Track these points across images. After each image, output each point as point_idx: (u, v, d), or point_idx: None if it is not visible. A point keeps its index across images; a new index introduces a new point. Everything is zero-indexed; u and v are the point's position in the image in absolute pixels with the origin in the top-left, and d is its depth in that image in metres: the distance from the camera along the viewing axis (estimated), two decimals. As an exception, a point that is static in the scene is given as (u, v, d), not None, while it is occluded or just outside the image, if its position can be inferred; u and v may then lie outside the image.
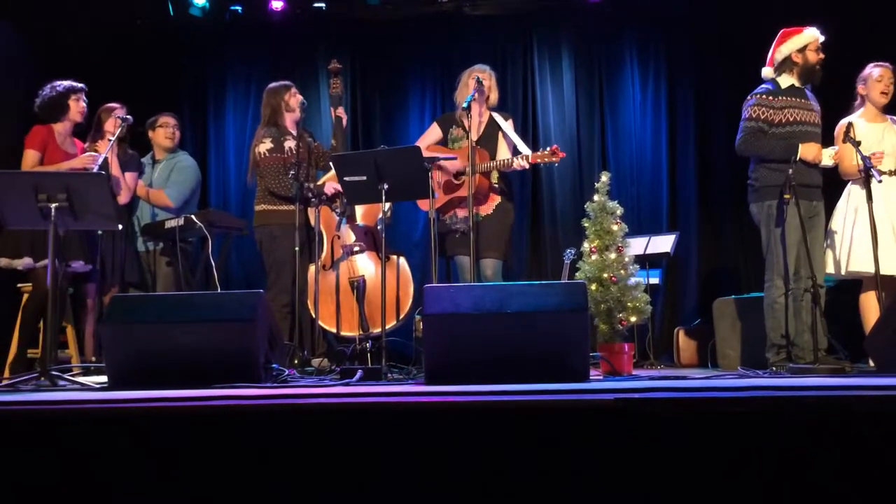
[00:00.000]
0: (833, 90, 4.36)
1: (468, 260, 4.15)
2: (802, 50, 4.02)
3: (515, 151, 4.37)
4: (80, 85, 4.52)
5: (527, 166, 4.23)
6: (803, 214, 3.81)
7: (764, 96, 4.04)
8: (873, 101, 4.23)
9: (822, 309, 3.79)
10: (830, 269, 4.19)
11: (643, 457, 1.77)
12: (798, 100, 4.04)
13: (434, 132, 4.63)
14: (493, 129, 4.44)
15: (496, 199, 4.40)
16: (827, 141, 4.18)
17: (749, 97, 4.11)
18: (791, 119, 3.99)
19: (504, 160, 4.29)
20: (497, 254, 4.38)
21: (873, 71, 4.23)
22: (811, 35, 4.04)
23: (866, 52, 4.42)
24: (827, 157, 3.98)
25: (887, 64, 4.23)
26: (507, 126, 4.44)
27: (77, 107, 4.48)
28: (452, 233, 4.41)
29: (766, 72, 4.18)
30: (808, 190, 3.94)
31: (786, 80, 4.07)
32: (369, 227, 4.46)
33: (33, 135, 4.40)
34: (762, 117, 4.00)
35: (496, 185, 4.39)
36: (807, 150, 3.92)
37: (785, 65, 4.07)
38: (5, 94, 5.52)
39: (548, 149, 4.19)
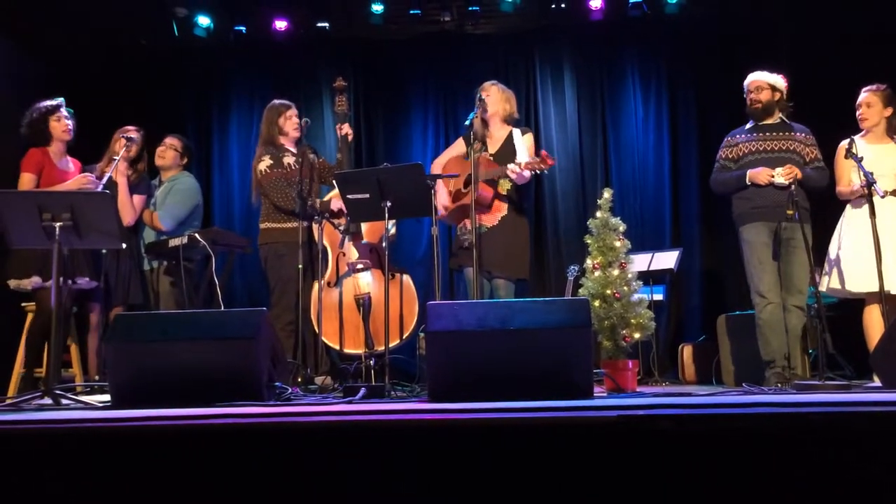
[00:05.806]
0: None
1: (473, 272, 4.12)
2: (746, 95, 4.46)
3: None
4: (56, 102, 4.45)
5: (518, 171, 4.15)
6: (769, 237, 4.15)
7: (727, 139, 4.49)
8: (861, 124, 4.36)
9: (807, 327, 3.90)
10: (834, 284, 4.20)
11: (647, 473, 1.76)
12: (759, 134, 4.36)
13: (458, 146, 4.63)
14: (511, 145, 4.40)
15: (502, 210, 4.33)
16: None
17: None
18: (745, 151, 4.35)
19: (499, 168, 4.25)
20: (508, 273, 4.28)
21: (860, 96, 4.38)
22: (747, 81, 4.47)
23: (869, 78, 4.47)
24: (778, 176, 4.16)
25: (872, 87, 4.34)
26: (523, 139, 4.40)
27: (60, 126, 4.42)
28: (461, 244, 4.39)
29: None
30: (771, 210, 4.17)
31: (749, 123, 4.48)
32: (374, 245, 4.44)
33: (29, 158, 4.38)
34: (724, 157, 4.45)
35: (504, 195, 4.35)
36: (753, 175, 4.22)
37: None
38: (10, 114, 5.55)
39: (538, 157, 4.13)
